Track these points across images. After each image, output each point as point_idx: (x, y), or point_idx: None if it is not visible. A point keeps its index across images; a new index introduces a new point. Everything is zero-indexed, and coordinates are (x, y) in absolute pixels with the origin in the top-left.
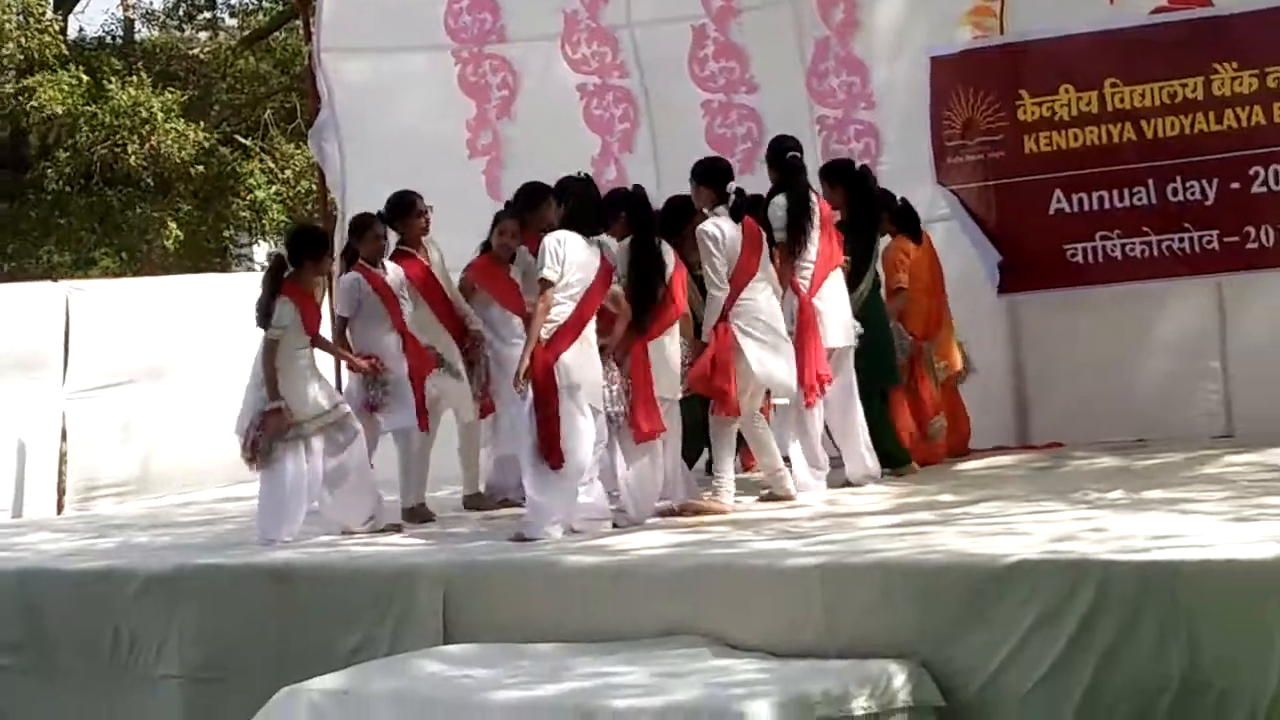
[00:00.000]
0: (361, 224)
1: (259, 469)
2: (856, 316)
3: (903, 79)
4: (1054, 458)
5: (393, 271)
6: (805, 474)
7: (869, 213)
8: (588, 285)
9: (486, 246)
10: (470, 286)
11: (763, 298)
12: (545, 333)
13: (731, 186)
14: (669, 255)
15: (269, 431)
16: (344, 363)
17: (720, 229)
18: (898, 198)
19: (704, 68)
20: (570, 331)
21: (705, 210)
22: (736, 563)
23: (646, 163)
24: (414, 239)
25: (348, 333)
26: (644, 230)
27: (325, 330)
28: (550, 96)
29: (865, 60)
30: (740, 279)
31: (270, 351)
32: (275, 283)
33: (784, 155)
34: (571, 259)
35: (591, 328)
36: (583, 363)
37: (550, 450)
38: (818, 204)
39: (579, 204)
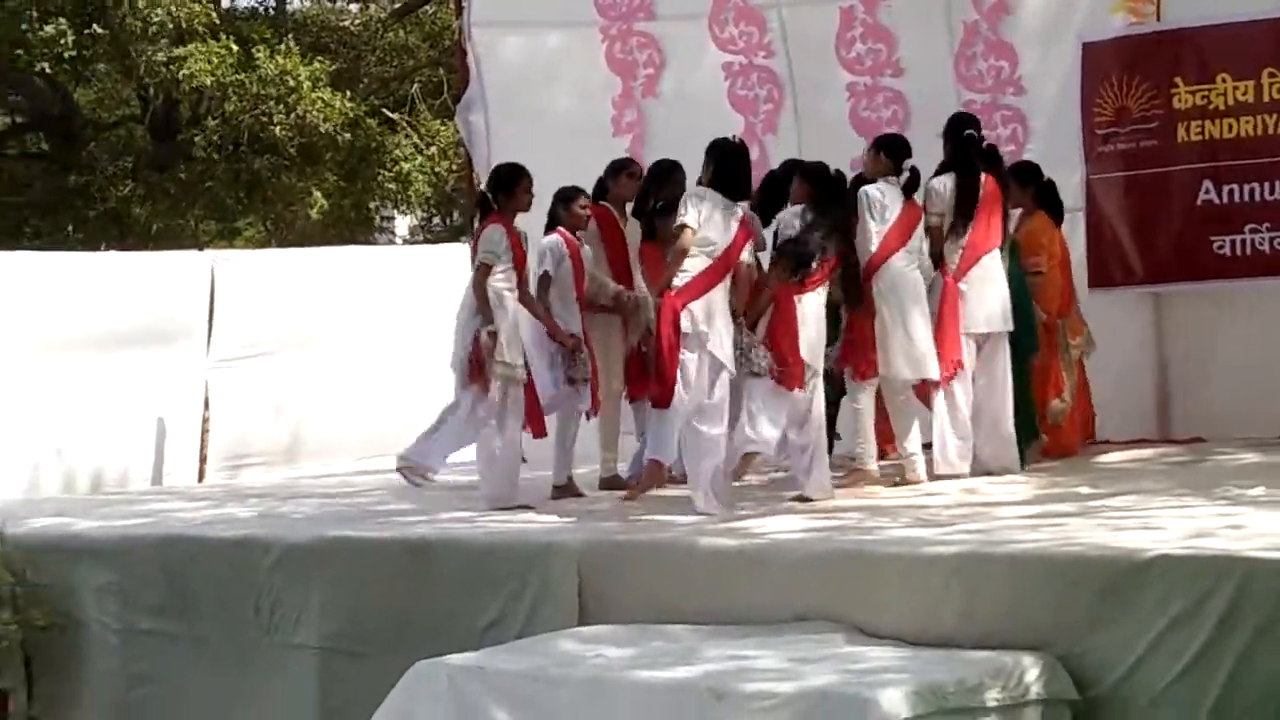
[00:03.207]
0: (566, 195)
1: (480, 391)
2: None
3: (1053, 65)
4: (1195, 452)
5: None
6: (950, 454)
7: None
8: (724, 246)
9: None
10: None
11: (908, 269)
12: (679, 280)
13: (908, 164)
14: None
15: (485, 354)
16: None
17: (883, 193)
18: (1044, 176)
19: (851, 49)
20: (702, 283)
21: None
22: (872, 550)
23: (790, 144)
24: (618, 200)
25: None
26: (833, 193)
27: None
28: (696, 75)
29: (1014, 45)
30: (888, 246)
31: (483, 275)
32: (484, 215)
33: (960, 132)
34: (709, 214)
35: (722, 290)
36: (715, 318)
37: (664, 387)
38: (987, 184)
39: (724, 166)
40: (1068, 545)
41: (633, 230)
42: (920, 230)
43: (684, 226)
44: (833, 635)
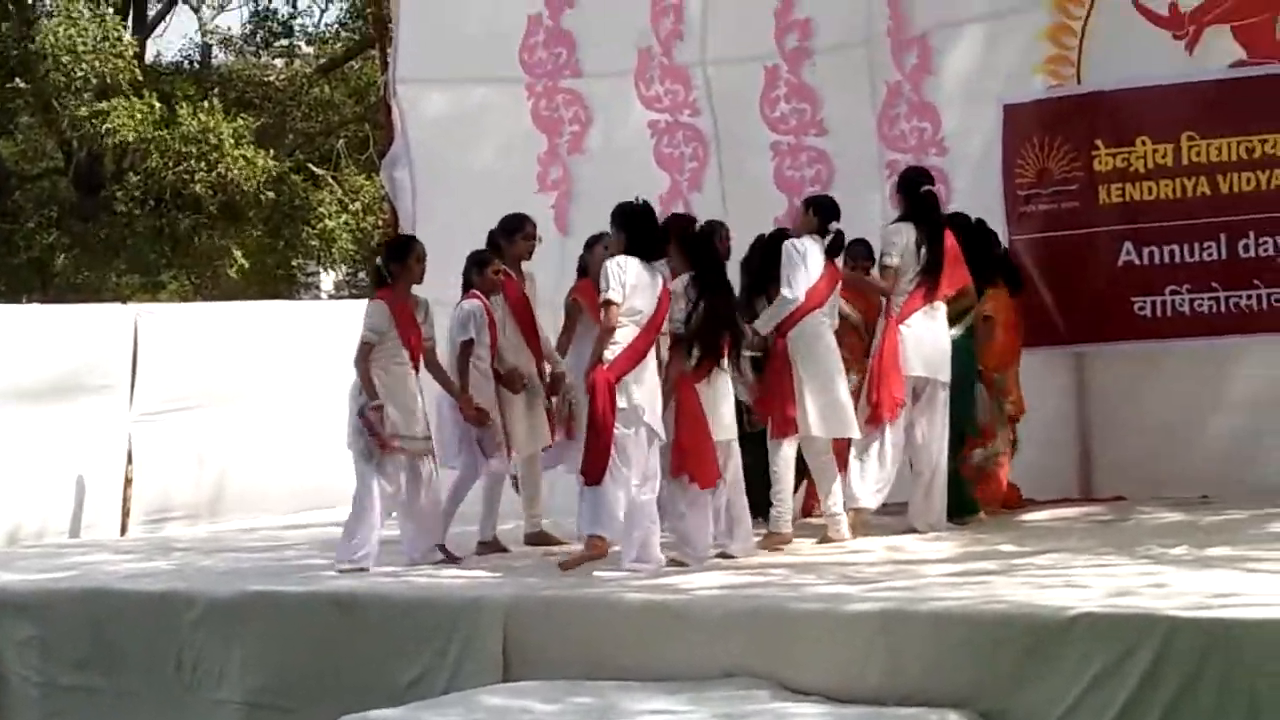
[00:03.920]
0: (480, 259)
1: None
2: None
3: (975, 126)
4: (1117, 511)
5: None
6: (865, 488)
7: (982, 261)
8: (651, 311)
9: (583, 269)
10: (578, 308)
11: (823, 328)
12: (609, 354)
13: (834, 227)
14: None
15: (376, 429)
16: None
17: (808, 249)
18: (1002, 245)
19: (775, 109)
20: (634, 354)
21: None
22: (797, 607)
23: (715, 202)
24: (515, 260)
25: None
26: (711, 266)
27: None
28: (621, 133)
29: (937, 106)
30: (810, 302)
31: (363, 353)
32: (378, 286)
33: (918, 187)
34: (633, 283)
35: (652, 356)
36: (646, 387)
37: (595, 467)
38: (948, 239)
39: (635, 230)
40: (992, 603)
41: (530, 290)
42: (836, 293)
43: (609, 303)
44: (758, 692)
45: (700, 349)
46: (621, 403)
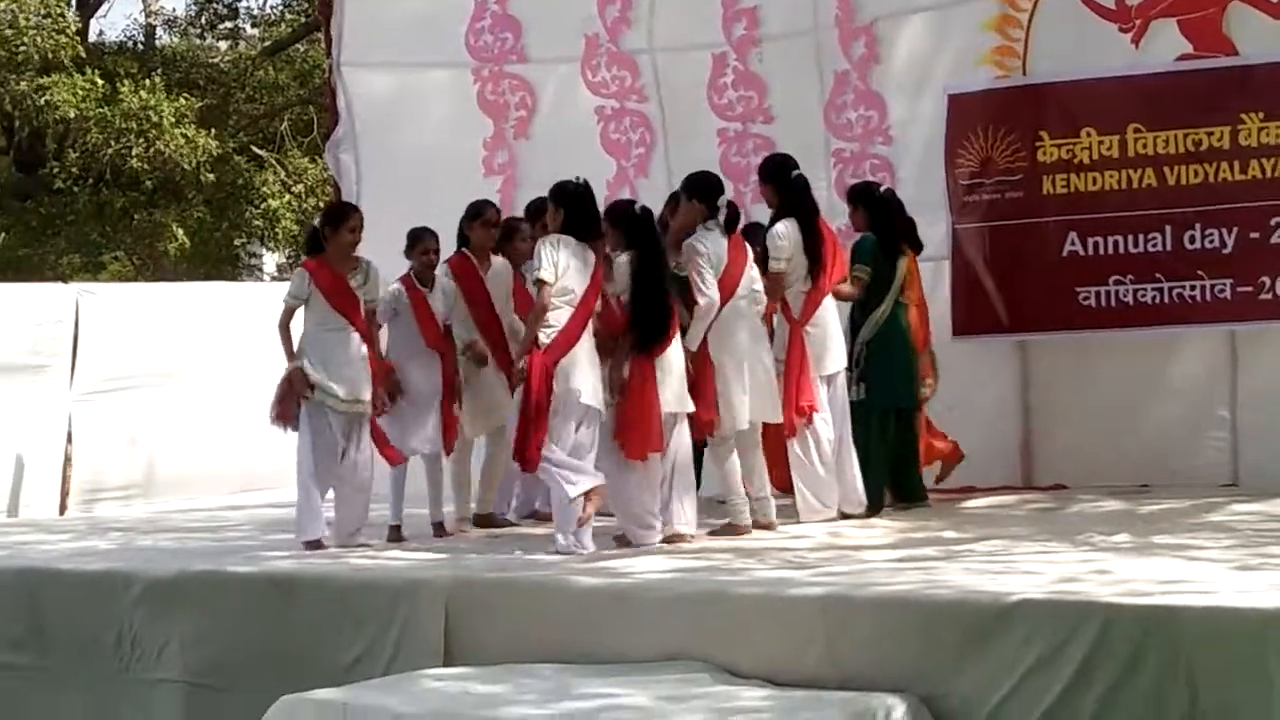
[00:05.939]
0: (411, 239)
1: (287, 429)
2: (873, 338)
3: (921, 116)
4: (1058, 499)
5: (441, 275)
6: (816, 499)
7: (891, 234)
8: (584, 290)
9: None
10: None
11: (748, 307)
12: (544, 337)
13: (723, 201)
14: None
15: (289, 393)
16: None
17: (708, 243)
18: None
19: (722, 96)
20: (569, 337)
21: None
22: (739, 590)
23: (661, 188)
24: (479, 246)
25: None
26: (649, 248)
27: None
28: (568, 118)
29: (883, 95)
30: (725, 296)
31: (282, 318)
32: (311, 250)
33: (788, 174)
34: (566, 263)
35: (587, 336)
36: (581, 367)
37: (528, 452)
38: (823, 226)
39: (574, 209)
40: (933, 589)
41: (499, 272)
42: (752, 268)
43: (542, 283)
44: (699, 675)
45: (642, 333)
46: (559, 387)
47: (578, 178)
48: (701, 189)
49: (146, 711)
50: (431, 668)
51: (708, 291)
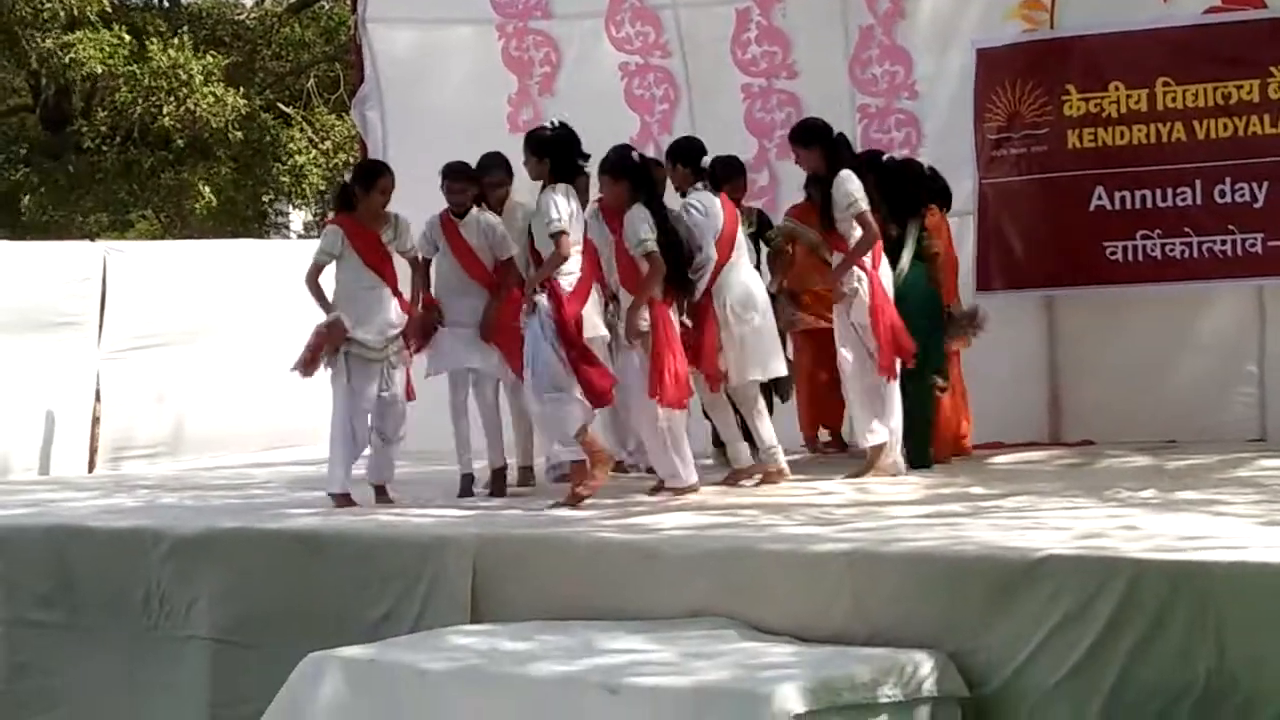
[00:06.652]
0: (444, 173)
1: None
2: (897, 293)
3: (947, 70)
4: (1085, 455)
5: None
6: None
7: (902, 193)
8: (582, 234)
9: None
10: None
11: (744, 262)
12: (566, 284)
13: (706, 161)
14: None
15: (327, 342)
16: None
17: (704, 205)
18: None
19: (746, 51)
20: (587, 282)
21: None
22: (766, 546)
23: None
24: (494, 201)
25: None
26: (658, 196)
27: None
28: (592, 74)
29: (909, 50)
30: (722, 257)
31: (311, 274)
32: (341, 208)
33: (833, 134)
34: (571, 209)
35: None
36: (591, 309)
37: (604, 389)
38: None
39: (560, 156)
40: (960, 544)
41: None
42: (739, 228)
43: (563, 234)
44: (726, 631)
45: (681, 280)
46: (588, 334)
47: (555, 121)
48: (686, 154)
49: (175, 668)
50: (459, 624)
51: (708, 246)
